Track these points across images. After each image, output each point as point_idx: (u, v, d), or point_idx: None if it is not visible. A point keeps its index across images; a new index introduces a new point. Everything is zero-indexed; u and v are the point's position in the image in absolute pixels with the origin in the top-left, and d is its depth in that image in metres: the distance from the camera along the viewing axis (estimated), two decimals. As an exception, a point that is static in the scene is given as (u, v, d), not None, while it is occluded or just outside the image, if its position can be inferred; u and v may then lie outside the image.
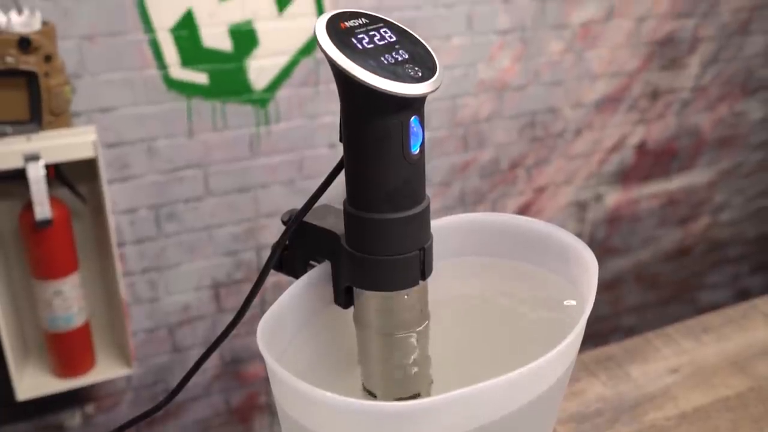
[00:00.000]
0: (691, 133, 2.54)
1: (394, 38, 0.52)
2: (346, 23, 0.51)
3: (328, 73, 0.48)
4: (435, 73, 0.50)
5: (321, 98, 1.91)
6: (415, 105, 0.50)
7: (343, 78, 0.48)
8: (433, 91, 0.49)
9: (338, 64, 0.48)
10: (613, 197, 2.49)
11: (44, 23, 1.49)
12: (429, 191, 0.55)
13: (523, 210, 2.33)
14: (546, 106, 2.23)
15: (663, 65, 2.37)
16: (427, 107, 0.50)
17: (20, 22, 1.44)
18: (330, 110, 1.93)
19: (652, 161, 2.51)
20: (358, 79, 0.47)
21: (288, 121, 1.90)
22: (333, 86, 0.50)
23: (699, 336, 1.12)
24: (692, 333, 1.12)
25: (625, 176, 2.48)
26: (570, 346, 0.51)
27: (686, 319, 1.17)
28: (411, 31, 0.54)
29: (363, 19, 0.52)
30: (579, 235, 2.42)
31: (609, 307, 2.65)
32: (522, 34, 2.11)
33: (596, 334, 2.61)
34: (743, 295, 2.90)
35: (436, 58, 0.52)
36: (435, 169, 2.13)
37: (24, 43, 1.42)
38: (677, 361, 1.07)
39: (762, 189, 2.81)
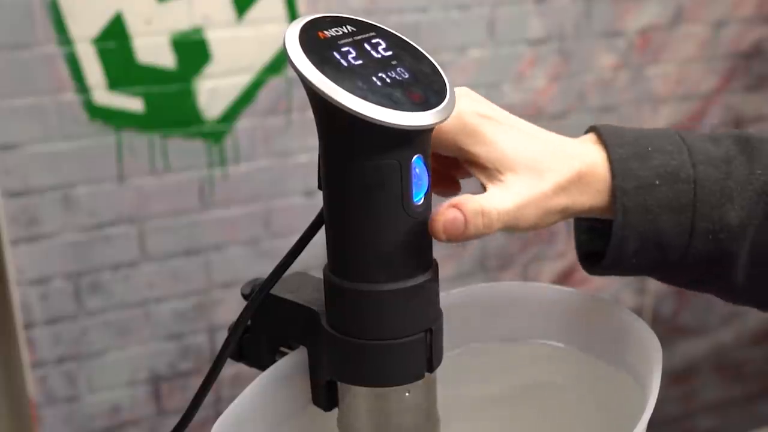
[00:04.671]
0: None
1: (390, 52, 0.52)
2: (326, 32, 0.52)
3: (304, 96, 0.48)
4: (444, 97, 0.51)
5: (295, 130, 1.93)
6: (418, 140, 0.51)
7: (322, 105, 0.49)
8: (441, 122, 0.50)
9: (315, 87, 0.48)
10: (686, 260, 2.49)
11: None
12: (438, 253, 0.55)
13: (564, 278, 2.33)
14: (594, 138, 2.24)
15: (749, 85, 2.40)
16: (435, 142, 0.51)
17: None
18: (307, 146, 1.94)
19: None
20: (343, 106, 0.48)
21: (251, 162, 1.91)
22: (311, 114, 0.50)
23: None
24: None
25: (700, 232, 2.48)
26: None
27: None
28: (412, 43, 0.54)
29: (348, 27, 0.53)
30: (638, 309, 2.42)
31: (680, 405, 2.64)
32: (561, 44, 2.14)
33: (666, 444, 2.60)
34: None
35: (446, 78, 0.53)
36: (447, 224, 2.13)
37: None
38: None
39: None
